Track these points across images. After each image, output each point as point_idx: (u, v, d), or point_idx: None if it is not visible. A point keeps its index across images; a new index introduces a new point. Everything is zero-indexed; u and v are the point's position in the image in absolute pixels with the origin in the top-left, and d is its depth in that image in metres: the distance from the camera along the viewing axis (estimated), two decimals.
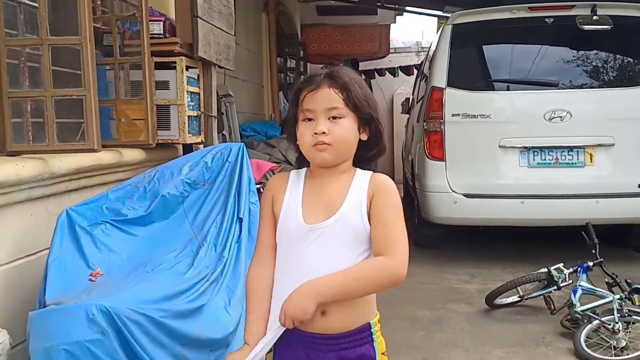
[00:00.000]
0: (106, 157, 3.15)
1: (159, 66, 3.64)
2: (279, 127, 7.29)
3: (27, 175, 2.48)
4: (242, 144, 3.16)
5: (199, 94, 3.91)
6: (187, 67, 3.73)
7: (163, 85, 3.64)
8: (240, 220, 2.93)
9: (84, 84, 2.75)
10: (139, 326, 1.89)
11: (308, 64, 11.14)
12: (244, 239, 2.90)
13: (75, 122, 3.17)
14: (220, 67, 4.11)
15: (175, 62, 3.66)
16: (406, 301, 4.48)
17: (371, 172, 1.54)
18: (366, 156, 1.55)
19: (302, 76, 10.47)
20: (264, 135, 6.56)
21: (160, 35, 3.66)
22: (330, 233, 1.46)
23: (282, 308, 1.40)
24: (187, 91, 3.70)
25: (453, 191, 5.34)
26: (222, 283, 2.60)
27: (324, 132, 1.45)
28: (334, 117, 1.46)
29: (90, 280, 2.33)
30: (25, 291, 2.56)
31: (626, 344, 3.33)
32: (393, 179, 7.43)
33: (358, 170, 1.54)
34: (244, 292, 2.67)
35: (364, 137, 1.52)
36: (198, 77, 3.90)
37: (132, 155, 3.44)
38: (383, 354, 1.55)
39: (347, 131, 1.47)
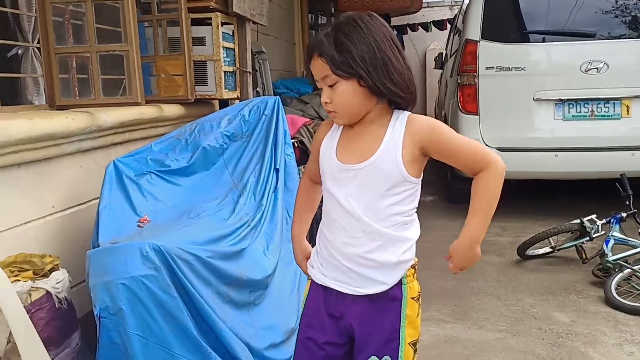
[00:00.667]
0: (148, 111, 3.27)
1: (195, 22, 3.72)
2: (311, 84, 7.32)
3: (77, 128, 2.62)
4: (278, 97, 3.24)
5: (234, 49, 3.98)
6: (222, 23, 3.80)
7: (199, 41, 3.73)
8: (277, 170, 3.03)
9: (126, 39, 2.84)
10: (188, 264, 2.02)
11: None
12: (280, 189, 3.01)
13: (118, 77, 3.28)
14: (254, 22, 4.16)
15: (210, 18, 3.72)
16: (439, 253, 4.52)
17: (407, 115, 1.56)
18: (393, 103, 1.55)
19: None
20: (296, 92, 6.61)
21: None
22: (364, 175, 1.53)
23: (455, 263, 1.58)
24: (223, 47, 3.78)
25: (486, 145, 5.33)
26: (261, 230, 2.73)
27: (327, 102, 1.51)
28: (331, 85, 1.48)
29: (139, 226, 2.48)
30: (79, 237, 2.73)
31: None
32: None
33: (394, 115, 1.55)
34: (280, 239, 2.81)
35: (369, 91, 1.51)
36: (233, 33, 3.97)
37: (172, 110, 3.55)
38: (413, 298, 1.60)
39: (344, 95, 1.47)
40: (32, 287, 1.98)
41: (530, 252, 4.30)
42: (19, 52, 2.95)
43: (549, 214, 5.32)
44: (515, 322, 3.27)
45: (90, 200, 2.89)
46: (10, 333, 1.94)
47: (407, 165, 1.52)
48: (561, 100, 5.18)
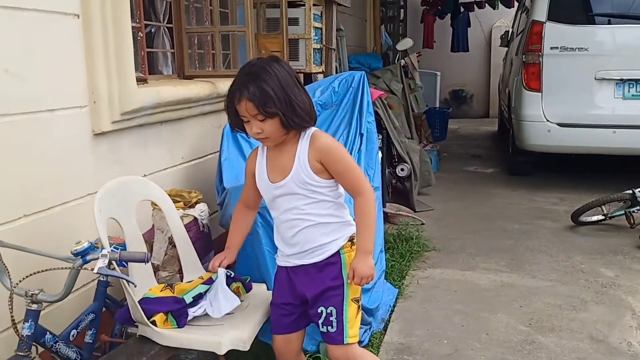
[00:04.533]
0: None
1: (290, 5, 4.26)
2: (381, 59, 7.79)
3: (204, 94, 3.22)
4: (364, 72, 3.75)
5: (321, 29, 4.51)
6: (313, 5, 4.33)
7: (293, 21, 4.27)
8: (362, 135, 3.56)
9: (244, 21, 3.41)
10: None
11: None
12: (363, 150, 3.54)
13: (227, 53, 3.87)
14: (339, 4, 4.66)
15: (303, 2, 4.26)
16: (498, 217, 5.04)
17: (312, 131, 1.95)
18: (290, 128, 1.90)
19: (402, 10, 10.77)
20: (367, 67, 7.09)
21: None
22: (289, 187, 1.99)
23: (357, 274, 1.92)
24: (313, 27, 4.31)
25: (547, 120, 5.71)
26: None
27: (258, 132, 1.88)
28: (261, 120, 1.86)
29: None
30: (200, 183, 3.35)
31: None
32: (487, 114, 7.91)
33: (302, 135, 1.95)
34: None
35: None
36: (321, 14, 4.49)
37: None
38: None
39: (272, 128, 1.86)
40: (184, 213, 2.60)
41: (583, 218, 4.70)
42: (152, 30, 3.56)
43: (605, 186, 5.63)
44: (565, 274, 3.73)
45: (207, 155, 3.50)
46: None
47: (317, 173, 1.93)
48: (622, 79, 5.48)
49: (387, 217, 4.80)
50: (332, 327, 1.98)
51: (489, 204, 5.54)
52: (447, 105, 12.49)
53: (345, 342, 1.98)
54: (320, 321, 2.00)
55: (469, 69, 13.04)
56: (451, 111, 10.08)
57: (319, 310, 1.99)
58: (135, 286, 1.95)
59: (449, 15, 11.51)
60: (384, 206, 4.85)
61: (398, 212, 4.81)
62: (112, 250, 1.80)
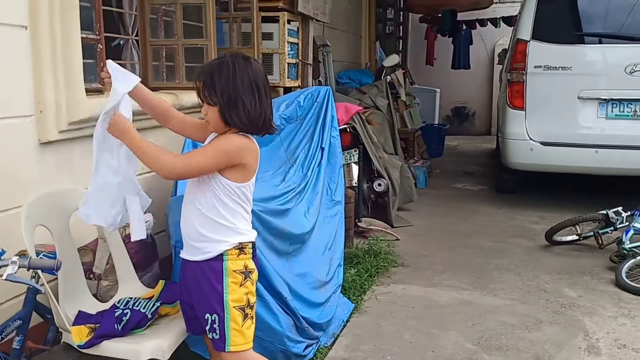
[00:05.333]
0: None
1: (265, 20, 4.31)
2: (373, 75, 7.82)
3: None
4: (329, 87, 3.79)
5: (297, 44, 4.56)
6: (289, 21, 4.38)
7: (268, 36, 4.33)
8: (322, 149, 3.60)
9: (206, 35, 3.46)
10: None
11: (409, 13, 11.43)
12: (323, 164, 3.57)
13: (197, 65, 3.92)
14: (317, 20, 4.71)
15: (278, 17, 4.31)
16: (476, 234, 5.02)
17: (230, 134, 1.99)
18: (228, 125, 1.96)
19: (400, 26, 10.82)
20: (357, 83, 7.13)
21: None
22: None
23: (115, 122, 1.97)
24: (288, 42, 4.36)
25: (531, 139, 5.69)
26: (304, 196, 3.30)
27: (205, 114, 1.97)
28: (206, 103, 1.95)
29: None
30: (156, 195, 3.37)
31: None
32: (489, 131, 7.88)
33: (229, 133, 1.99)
34: (320, 205, 3.37)
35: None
36: (297, 29, 4.54)
37: None
38: (236, 271, 1.99)
39: (211, 114, 1.94)
40: (126, 223, 2.63)
41: (557, 238, 4.67)
42: (121, 42, 3.63)
43: (589, 206, 5.54)
44: (527, 293, 3.70)
45: None
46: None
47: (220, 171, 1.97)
48: (605, 99, 5.45)
49: (360, 232, 4.82)
50: (216, 334, 1.99)
51: (471, 221, 5.52)
52: (449, 121, 12.49)
53: (227, 350, 1.99)
54: (207, 327, 2.00)
55: (472, 86, 13.04)
56: (448, 127, 10.08)
57: (205, 317, 1.99)
58: (42, 293, 1.98)
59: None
60: (359, 221, 4.87)
61: (370, 227, 4.81)
62: (20, 258, 1.83)
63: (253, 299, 2.05)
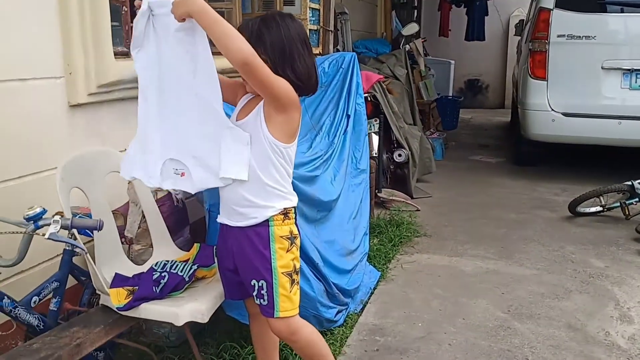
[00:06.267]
0: None
1: None
2: (389, 45, 7.71)
3: None
4: (354, 53, 3.72)
5: (319, 10, 4.47)
6: None
7: (289, 1, 4.24)
8: (348, 116, 3.54)
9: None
10: None
11: None
12: (349, 131, 3.52)
13: None
14: None
15: None
16: (496, 206, 4.98)
17: None
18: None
19: None
20: (374, 52, 7.02)
21: None
22: (243, 128, 1.90)
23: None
24: (310, 7, 4.28)
25: (552, 110, 5.61)
26: (331, 163, 3.26)
27: None
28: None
29: None
30: None
31: None
32: (503, 104, 7.82)
33: None
34: (345, 172, 3.33)
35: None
36: None
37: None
38: (282, 237, 1.94)
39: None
40: (157, 187, 2.61)
41: (581, 209, 4.62)
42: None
43: (610, 178, 5.50)
44: (553, 263, 3.67)
45: None
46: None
47: (269, 124, 1.87)
48: (629, 69, 5.36)
49: (381, 202, 4.78)
50: (264, 300, 1.95)
51: (490, 193, 5.47)
52: (463, 94, 12.35)
53: (275, 316, 1.95)
54: (254, 293, 1.97)
55: (486, 58, 12.86)
56: (463, 100, 9.97)
57: (252, 283, 1.96)
58: (86, 252, 1.96)
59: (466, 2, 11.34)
60: (379, 191, 4.83)
61: (391, 197, 4.78)
62: (62, 217, 1.81)
63: (298, 265, 2.02)
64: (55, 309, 2.16)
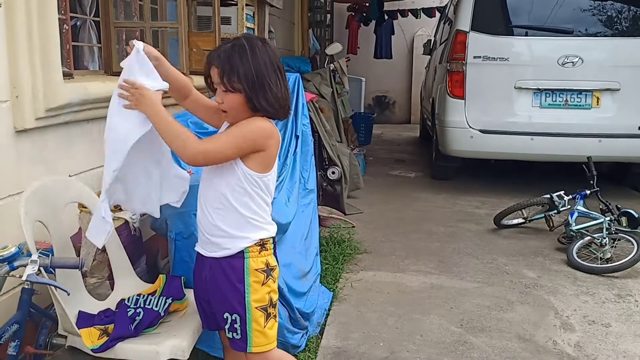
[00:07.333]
0: None
1: (222, 3, 4.16)
2: (309, 63, 7.78)
3: None
4: (298, 74, 3.73)
5: (254, 29, 4.44)
6: (246, 4, 4.25)
7: (226, 20, 4.18)
8: (297, 137, 3.54)
9: (178, 17, 3.29)
10: None
11: (334, 3, 11.46)
12: (298, 152, 3.52)
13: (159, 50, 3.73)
14: (271, 5, 4.62)
15: (236, 0, 4.18)
16: (425, 220, 5.15)
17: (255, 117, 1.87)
18: (256, 110, 1.86)
19: (328, 15, 10.85)
20: (297, 70, 7.06)
21: None
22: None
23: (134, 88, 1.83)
24: (246, 27, 4.24)
25: (470, 127, 5.90)
26: (284, 185, 3.24)
27: (220, 103, 1.85)
28: (223, 91, 1.83)
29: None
30: None
31: (611, 256, 3.97)
32: (409, 120, 8.10)
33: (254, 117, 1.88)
34: (297, 193, 3.32)
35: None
36: (254, 14, 4.43)
37: (201, 81, 4.00)
38: (258, 269, 1.89)
39: (232, 102, 1.82)
40: (114, 216, 2.46)
41: (505, 222, 4.88)
42: (78, 23, 3.37)
43: (524, 191, 5.88)
44: (491, 275, 3.85)
45: None
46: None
47: (242, 158, 1.86)
48: (539, 89, 5.75)
49: (319, 220, 4.79)
50: (237, 334, 1.90)
51: (415, 207, 5.65)
52: (372, 110, 12.68)
53: (248, 351, 1.90)
54: (226, 327, 1.90)
55: (392, 75, 13.32)
56: (375, 116, 10.26)
57: (224, 316, 1.89)
58: (68, 294, 1.82)
59: (374, 22, 11.70)
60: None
61: (330, 215, 4.81)
62: (40, 256, 1.67)
63: (275, 297, 1.96)
64: (15, 354, 1.98)
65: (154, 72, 1.88)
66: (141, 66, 1.86)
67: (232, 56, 1.83)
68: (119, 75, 1.97)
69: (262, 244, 1.92)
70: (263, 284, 1.91)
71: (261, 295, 1.90)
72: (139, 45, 1.88)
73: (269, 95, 1.84)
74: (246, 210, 1.89)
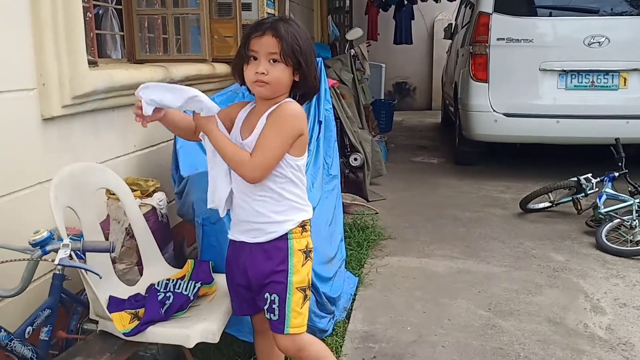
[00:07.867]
0: (205, 68, 3.72)
1: None
2: (329, 49, 7.75)
3: (157, 79, 3.08)
4: (321, 59, 3.69)
5: (274, 15, 4.42)
6: None
7: (246, 7, 4.16)
8: (320, 123, 3.51)
9: (199, 3, 3.28)
10: None
11: None
12: (321, 138, 3.50)
13: (185, 37, 3.72)
14: None
15: None
16: (449, 206, 5.10)
17: (284, 101, 1.83)
18: (298, 95, 1.85)
19: (347, 1, 10.77)
20: (316, 56, 7.03)
21: None
22: (249, 147, 1.85)
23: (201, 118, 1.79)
24: (266, 12, 4.22)
25: (494, 110, 5.82)
26: (308, 170, 3.22)
27: (263, 73, 1.76)
28: (273, 60, 1.76)
29: None
30: (155, 171, 3.21)
31: None
32: (430, 106, 8.01)
33: (284, 100, 1.84)
34: (321, 179, 3.30)
35: (297, 79, 1.82)
36: (274, 0, 4.40)
37: (222, 68, 4.00)
38: (300, 250, 1.90)
39: (280, 74, 1.77)
40: (141, 203, 2.48)
41: (531, 205, 4.82)
42: (100, 12, 3.39)
43: (549, 175, 5.78)
44: (518, 259, 3.80)
45: (160, 143, 3.36)
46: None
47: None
48: (564, 70, 5.65)
49: (342, 207, 4.77)
50: (274, 315, 1.89)
51: (439, 193, 5.61)
52: (392, 97, 12.60)
53: (285, 332, 1.89)
54: (265, 307, 1.90)
55: (412, 61, 13.20)
56: (396, 103, 10.18)
57: (265, 296, 1.89)
58: (100, 277, 1.83)
59: (393, 7, 11.58)
60: None
61: (353, 202, 4.79)
62: (72, 240, 1.68)
63: (311, 279, 1.97)
64: (47, 339, 2.00)
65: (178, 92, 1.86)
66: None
67: (294, 30, 1.79)
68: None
69: (303, 225, 1.94)
70: (303, 265, 1.93)
71: (302, 277, 1.92)
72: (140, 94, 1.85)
73: (315, 75, 1.86)
74: (289, 194, 1.89)
